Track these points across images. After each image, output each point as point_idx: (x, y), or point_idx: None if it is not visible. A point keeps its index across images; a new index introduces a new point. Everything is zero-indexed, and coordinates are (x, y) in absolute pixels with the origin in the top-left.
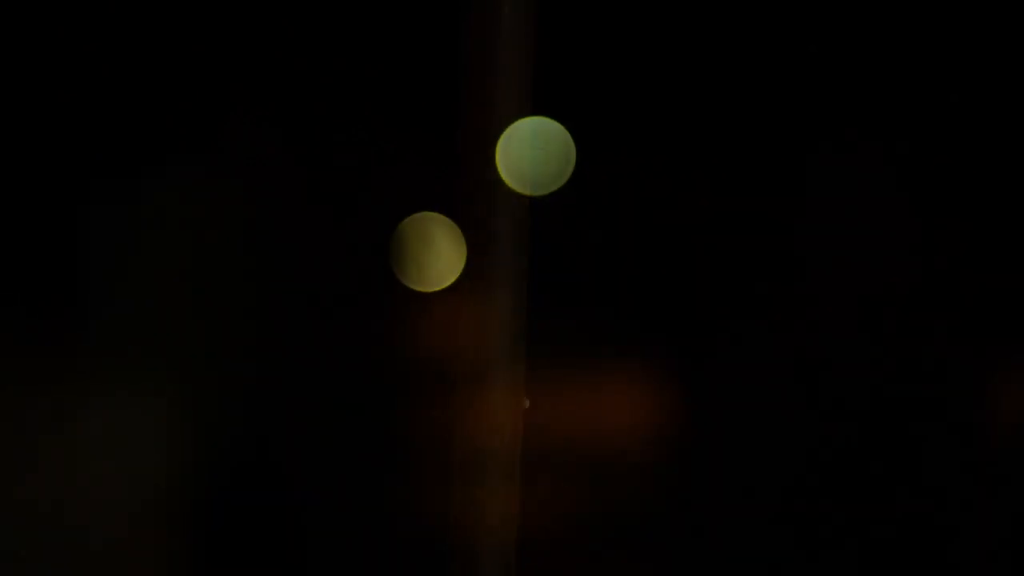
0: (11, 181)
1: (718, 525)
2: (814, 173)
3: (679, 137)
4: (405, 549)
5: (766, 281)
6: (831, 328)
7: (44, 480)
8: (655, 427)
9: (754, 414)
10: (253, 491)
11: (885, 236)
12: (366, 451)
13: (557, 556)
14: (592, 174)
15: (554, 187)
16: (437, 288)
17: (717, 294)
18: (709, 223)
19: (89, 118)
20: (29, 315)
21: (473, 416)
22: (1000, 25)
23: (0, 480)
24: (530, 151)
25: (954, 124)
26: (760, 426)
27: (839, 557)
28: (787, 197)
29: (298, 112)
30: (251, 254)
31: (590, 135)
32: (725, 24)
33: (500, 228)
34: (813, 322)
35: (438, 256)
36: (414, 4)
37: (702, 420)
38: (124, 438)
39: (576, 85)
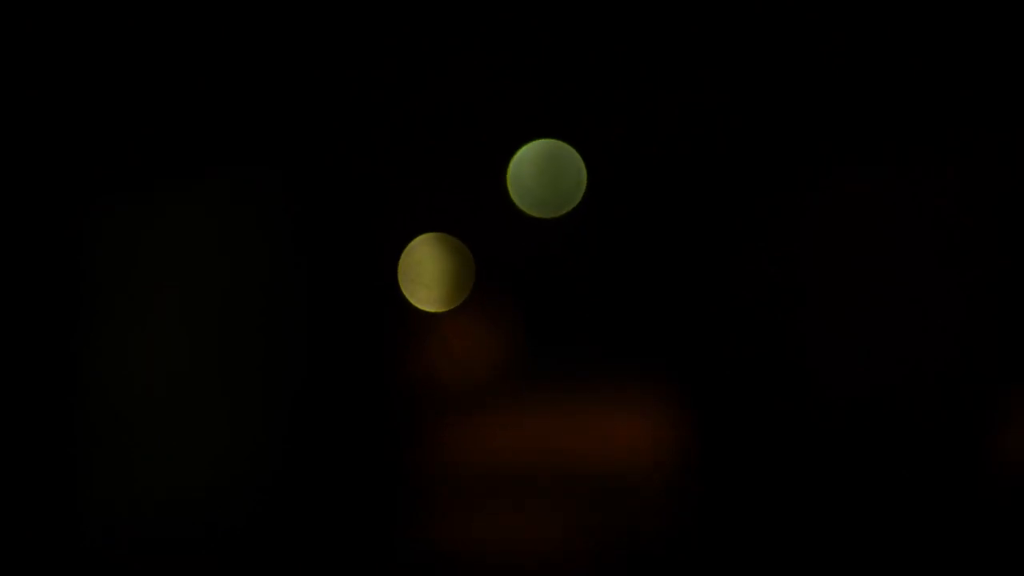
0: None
1: (717, 543)
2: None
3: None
4: (403, 567)
5: (761, 304)
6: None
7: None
8: (655, 447)
9: (746, 434)
10: (251, 504)
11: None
12: (366, 467)
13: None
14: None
15: (565, 210)
16: (444, 309)
17: (716, 314)
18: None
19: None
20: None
21: (473, 435)
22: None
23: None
24: (541, 174)
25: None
26: (753, 447)
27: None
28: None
29: (309, 132)
30: (258, 270)
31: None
32: None
33: (504, 250)
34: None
35: (446, 277)
36: None
37: (701, 438)
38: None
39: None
